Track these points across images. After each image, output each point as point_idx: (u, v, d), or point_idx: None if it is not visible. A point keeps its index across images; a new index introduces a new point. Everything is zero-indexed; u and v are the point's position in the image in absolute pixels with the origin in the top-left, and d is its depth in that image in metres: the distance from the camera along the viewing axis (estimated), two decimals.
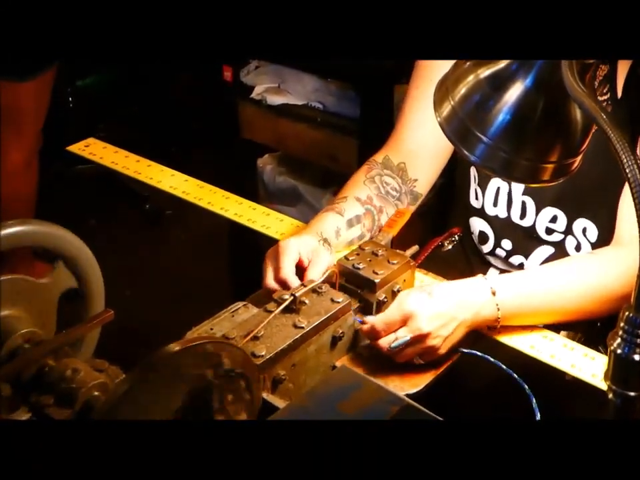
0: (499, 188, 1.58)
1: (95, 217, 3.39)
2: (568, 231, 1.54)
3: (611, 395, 0.82)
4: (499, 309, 1.32)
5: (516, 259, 1.61)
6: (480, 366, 1.41)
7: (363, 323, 1.29)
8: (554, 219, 1.54)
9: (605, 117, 0.87)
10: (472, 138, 1.05)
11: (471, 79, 1.05)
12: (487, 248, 1.65)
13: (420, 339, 1.26)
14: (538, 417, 1.20)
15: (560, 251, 1.55)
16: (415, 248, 1.45)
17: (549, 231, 1.55)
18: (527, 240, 1.59)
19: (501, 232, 1.61)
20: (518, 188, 1.56)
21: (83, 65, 3.74)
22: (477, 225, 1.65)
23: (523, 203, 1.56)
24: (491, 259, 1.65)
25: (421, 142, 1.59)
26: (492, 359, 1.30)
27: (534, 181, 1.11)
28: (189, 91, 3.79)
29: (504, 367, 1.27)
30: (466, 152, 1.06)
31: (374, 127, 2.48)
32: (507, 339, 1.35)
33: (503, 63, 1.04)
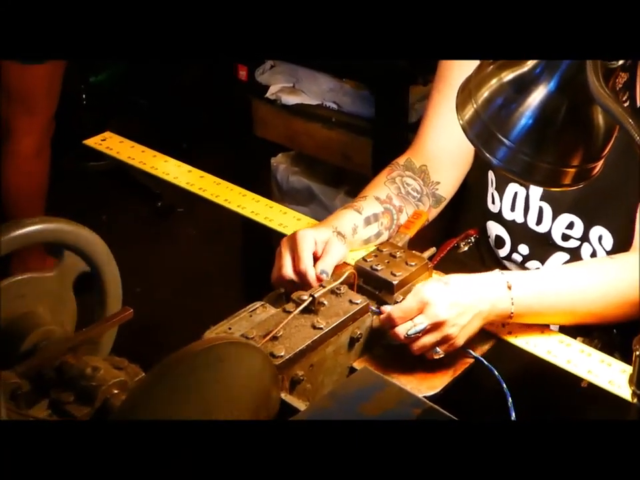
0: (516, 193, 1.58)
1: (107, 213, 3.40)
2: (584, 237, 1.53)
3: (635, 400, 0.82)
4: (513, 304, 1.32)
5: (532, 264, 1.60)
6: (496, 368, 1.41)
7: (380, 312, 1.29)
8: (570, 225, 1.53)
9: (631, 121, 0.87)
10: (494, 141, 1.05)
11: (494, 82, 1.05)
12: (503, 252, 1.64)
13: (437, 326, 1.26)
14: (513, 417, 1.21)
15: (575, 258, 1.55)
16: (432, 250, 1.45)
17: (565, 238, 1.55)
18: (542, 246, 1.58)
19: (517, 237, 1.61)
20: (535, 193, 1.55)
21: (96, 62, 3.75)
22: (494, 229, 1.64)
23: (540, 209, 1.55)
24: (507, 264, 1.65)
25: (443, 145, 1.59)
26: (485, 361, 1.30)
27: (555, 184, 1.11)
28: (203, 90, 3.79)
29: (495, 372, 1.28)
30: (488, 155, 1.06)
31: (388, 127, 2.48)
32: (524, 343, 1.35)
33: (526, 67, 1.04)
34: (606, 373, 1.29)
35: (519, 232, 1.60)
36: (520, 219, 1.58)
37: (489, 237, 1.66)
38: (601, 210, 1.50)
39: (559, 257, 1.57)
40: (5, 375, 0.98)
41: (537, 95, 1.03)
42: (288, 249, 1.38)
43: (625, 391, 1.24)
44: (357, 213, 1.51)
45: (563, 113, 1.03)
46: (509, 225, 1.61)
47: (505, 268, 1.66)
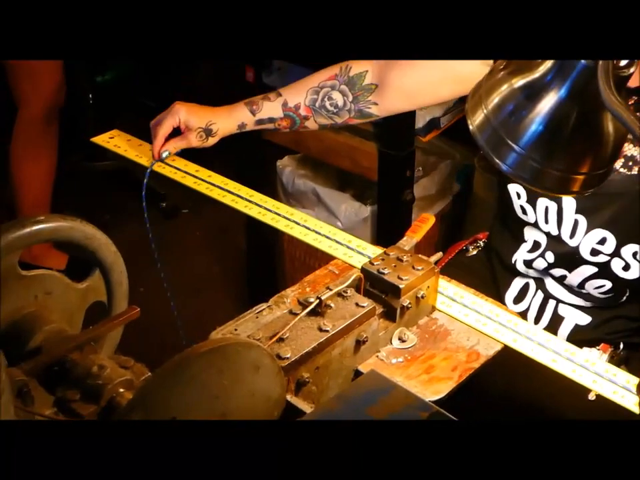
0: (547, 207, 1.55)
1: (111, 212, 3.40)
2: (615, 254, 1.51)
3: None
4: None
5: (557, 272, 1.60)
6: (500, 374, 1.41)
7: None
8: (602, 241, 1.51)
9: None
10: (504, 147, 1.05)
11: (504, 88, 1.05)
12: (529, 256, 1.63)
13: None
14: None
15: (604, 271, 1.53)
16: (439, 254, 1.45)
17: (595, 253, 1.52)
18: (570, 258, 1.56)
19: (549, 245, 1.59)
20: (570, 207, 1.52)
21: (102, 61, 3.75)
22: (532, 235, 1.62)
23: (575, 222, 1.53)
24: (523, 269, 1.64)
25: (408, 81, 1.63)
26: None
27: (564, 191, 1.11)
28: (210, 92, 3.79)
29: None
30: (497, 160, 1.06)
31: (394, 130, 2.48)
32: (529, 351, 1.34)
33: (537, 73, 1.04)
34: (610, 383, 1.28)
35: (552, 242, 1.58)
36: (555, 231, 1.57)
37: (526, 241, 1.64)
38: (637, 229, 1.46)
39: (586, 269, 1.55)
40: (11, 372, 0.98)
41: (548, 102, 1.03)
42: (169, 113, 1.66)
43: (628, 402, 1.24)
44: (249, 114, 1.67)
45: (573, 119, 1.03)
46: (547, 234, 1.59)
47: (514, 273, 1.66)
